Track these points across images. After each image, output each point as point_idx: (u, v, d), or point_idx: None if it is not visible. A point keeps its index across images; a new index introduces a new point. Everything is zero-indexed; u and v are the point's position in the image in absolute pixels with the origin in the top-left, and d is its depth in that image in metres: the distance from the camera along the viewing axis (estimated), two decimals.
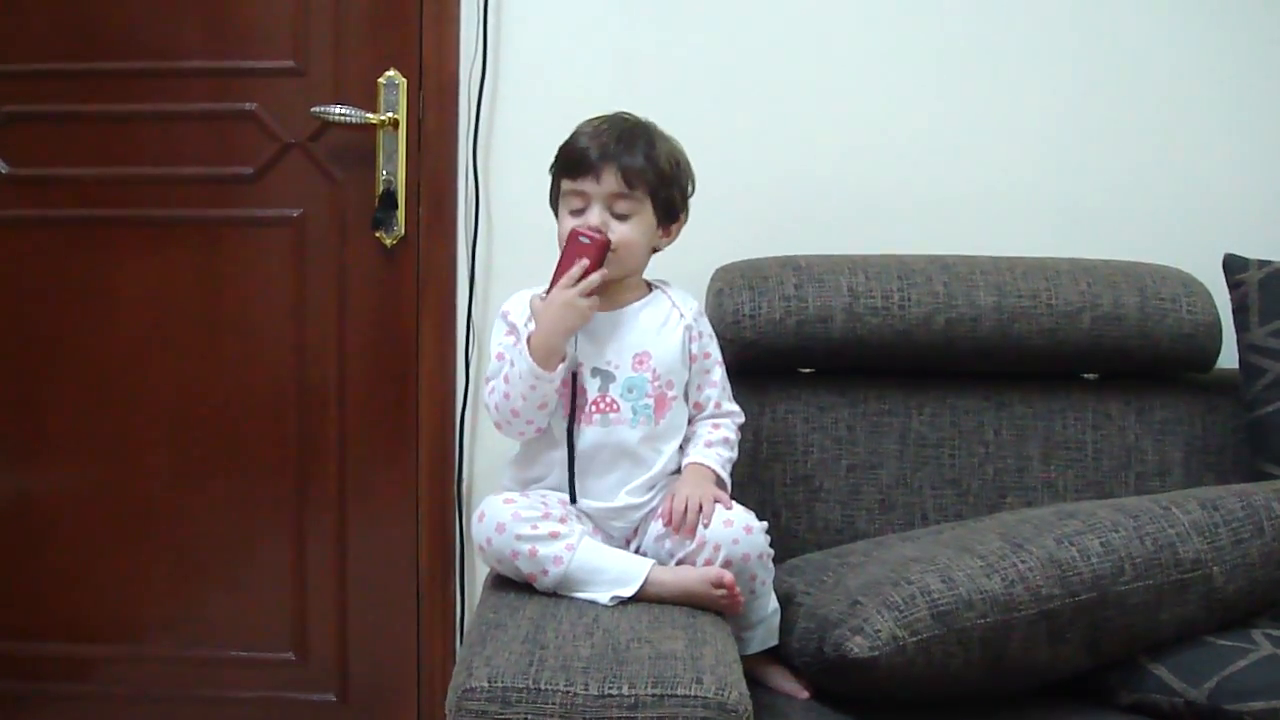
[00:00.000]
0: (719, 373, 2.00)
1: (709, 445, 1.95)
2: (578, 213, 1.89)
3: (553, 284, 1.83)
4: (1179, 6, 2.43)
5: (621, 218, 1.89)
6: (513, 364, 1.85)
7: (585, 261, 1.82)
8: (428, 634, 2.54)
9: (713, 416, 1.99)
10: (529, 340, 1.83)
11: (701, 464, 1.92)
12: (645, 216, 1.91)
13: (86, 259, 2.54)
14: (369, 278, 2.51)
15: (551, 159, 1.95)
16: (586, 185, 1.88)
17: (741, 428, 2.01)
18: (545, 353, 1.82)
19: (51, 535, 2.61)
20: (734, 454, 1.97)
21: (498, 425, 1.92)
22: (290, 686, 2.61)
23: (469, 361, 2.45)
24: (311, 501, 2.57)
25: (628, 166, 1.87)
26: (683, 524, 1.80)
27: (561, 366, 1.84)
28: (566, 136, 1.94)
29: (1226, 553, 1.77)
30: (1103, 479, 2.21)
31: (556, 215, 1.95)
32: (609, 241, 1.85)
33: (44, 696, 2.64)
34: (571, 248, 1.84)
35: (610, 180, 1.87)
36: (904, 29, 2.43)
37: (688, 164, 1.97)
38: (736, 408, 2.01)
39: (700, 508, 1.81)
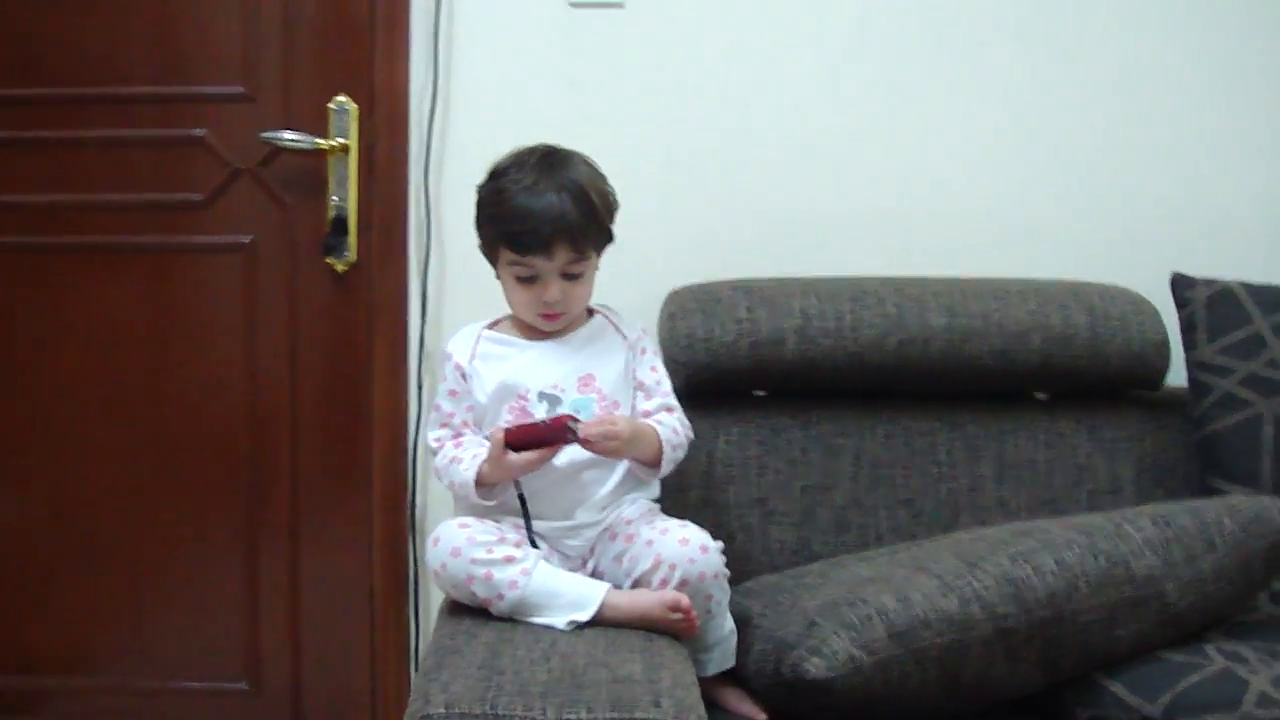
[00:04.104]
0: (667, 384, 2.00)
1: (659, 421, 1.94)
2: (526, 281, 1.89)
3: (522, 437, 1.80)
4: (1128, 26, 2.46)
5: (574, 279, 1.90)
6: (459, 484, 1.88)
7: (555, 448, 1.81)
8: (383, 662, 2.52)
9: (663, 410, 1.97)
10: (480, 475, 1.84)
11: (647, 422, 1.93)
12: (592, 265, 1.93)
13: (35, 287, 2.51)
14: (320, 304, 2.50)
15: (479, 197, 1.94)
16: (536, 261, 1.87)
17: (692, 444, 1.99)
18: (490, 489, 1.86)
19: (1, 567, 2.57)
20: (678, 443, 1.94)
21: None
22: (244, 716, 2.58)
23: (421, 386, 2.44)
24: (264, 529, 2.54)
25: (578, 238, 1.87)
26: (601, 433, 1.80)
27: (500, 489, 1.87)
28: (491, 185, 1.92)
29: (1179, 569, 1.79)
30: (1055, 497, 2.23)
31: (491, 262, 1.95)
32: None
33: None
34: (557, 429, 1.80)
35: (562, 255, 1.87)
36: (854, 52, 2.45)
37: (610, 189, 1.95)
38: (685, 420, 1.99)
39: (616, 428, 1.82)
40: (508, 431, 1.80)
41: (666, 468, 1.94)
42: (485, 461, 1.84)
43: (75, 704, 2.60)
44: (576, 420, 1.80)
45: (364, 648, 2.53)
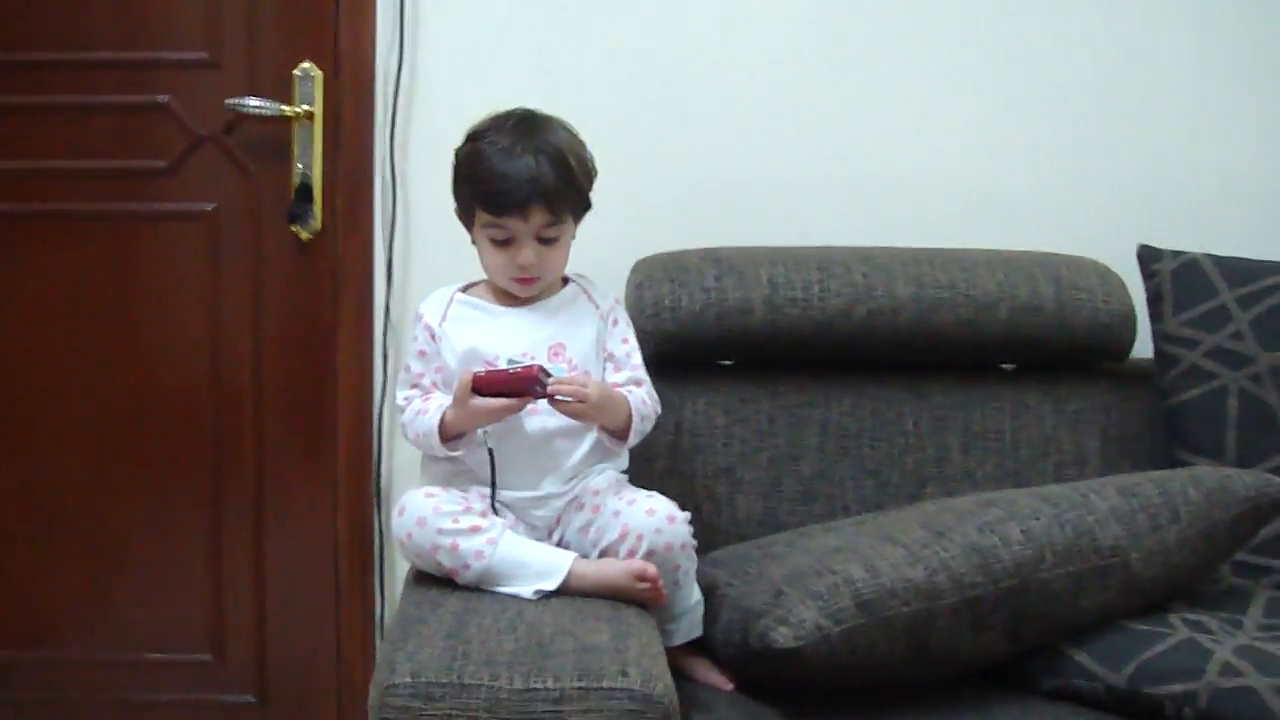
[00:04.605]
0: (637, 357, 1.99)
1: (628, 393, 1.93)
2: (501, 244, 1.87)
3: (491, 384, 1.79)
4: None
5: (550, 243, 1.88)
6: (423, 434, 1.87)
7: (523, 400, 1.80)
8: (347, 632, 2.51)
9: (631, 384, 1.96)
10: (443, 420, 1.84)
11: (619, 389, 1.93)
12: (569, 231, 1.92)
13: None
14: (285, 272, 2.48)
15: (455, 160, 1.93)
16: (512, 223, 1.86)
17: (659, 416, 1.98)
18: (454, 437, 1.85)
19: None
20: (646, 415, 1.94)
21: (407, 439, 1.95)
22: (208, 688, 2.57)
23: (386, 356, 2.43)
24: (228, 499, 2.53)
25: (554, 201, 1.86)
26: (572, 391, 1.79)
27: (465, 440, 1.86)
28: (469, 148, 1.91)
29: (1145, 539, 1.79)
30: (1021, 468, 2.23)
31: (468, 225, 1.93)
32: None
33: None
34: (527, 379, 1.78)
35: (538, 217, 1.85)
36: (824, 21, 2.44)
37: (589, 156, 1.94)
38: (654, 393, 1.98)
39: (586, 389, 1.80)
40: (476, 375, 1.79)
41: (634, 439, 1.93)
42: (450, 407, 1.83)
43: (39, 676, 2.58)
44: (548, 374, 1.79)
45: (329, 618, 2.52)
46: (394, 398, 2.08)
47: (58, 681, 2.57)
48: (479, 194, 1.88)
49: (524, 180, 1.83)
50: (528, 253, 1.87)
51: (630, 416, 1.89)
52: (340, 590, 2.51)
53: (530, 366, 1.79)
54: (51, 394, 2.52)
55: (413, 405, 1.91)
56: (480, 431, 1.83)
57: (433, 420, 1.84)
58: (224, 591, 2.55)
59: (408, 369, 1.96)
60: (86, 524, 2.54)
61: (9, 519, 2.54)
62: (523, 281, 1.91)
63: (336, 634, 2.52)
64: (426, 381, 1.93)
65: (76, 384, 2.51)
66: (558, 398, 1.79)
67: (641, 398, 1.93)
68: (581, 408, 1.81)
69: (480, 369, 1.83)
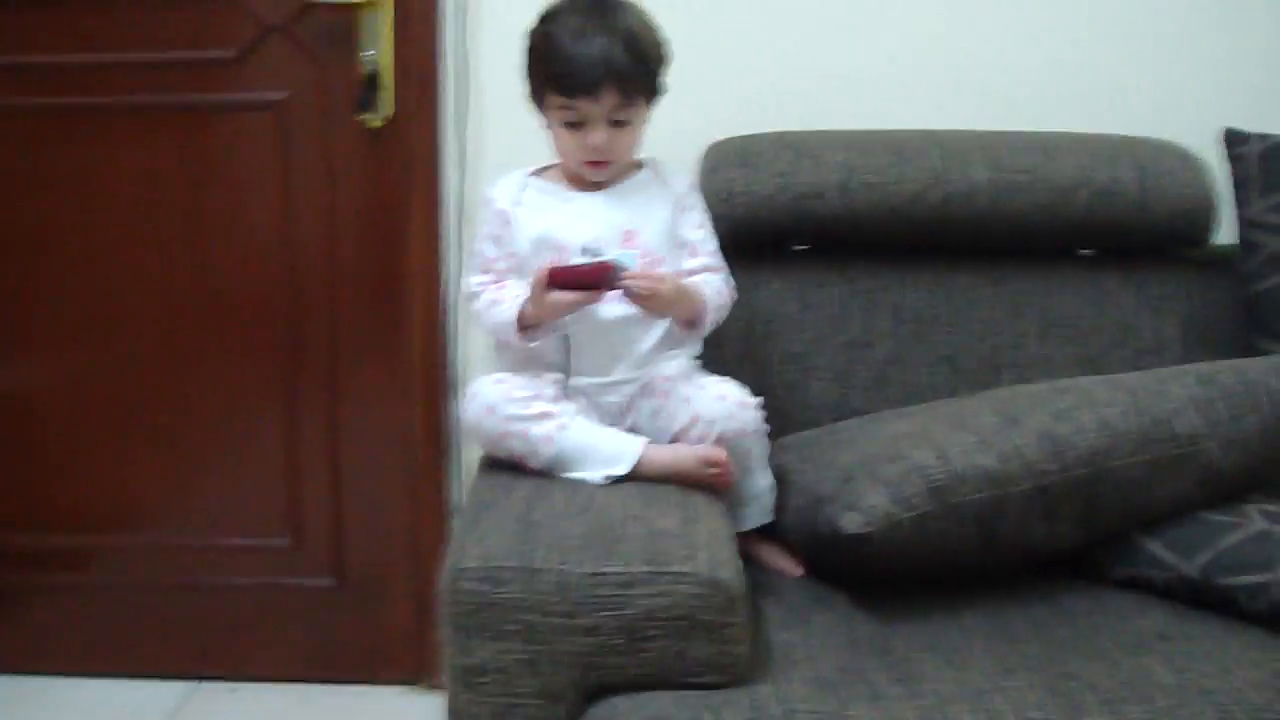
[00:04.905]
0: (712, 243, 1.97)
1: (704, 281, 1.92)
2: (573, 126, 1.85)
3: (567, 278, 1.78)
4: None
5: (621, 126, 1.86)
6: (499, 325, 1.86)
7: (598, 293, 1.79)
8: (423, 516, 2.54)
9: (706, 271, 1.94)
10: (521, 314, 1.82)
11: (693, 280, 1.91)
12: (641, 115, 1.89)
13: (67, 147, 2.50)
14: (356, 161, 2.47)
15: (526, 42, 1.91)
16: (583, 104, 1.83)
17: (734, 304, 1.97)
18: (532, 331, 1.83)
19: (42, 427, 2.61)
20: (721, 304, 1.93)
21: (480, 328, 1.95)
22: (287, 571, 2.62)
23: (460, 244, 2.42)
24: (303, 387, 2.56)
25: (626, 82, 1.83)
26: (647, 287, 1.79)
27: (543, 332, 1.85)
28: (540, 29, 1.89)
29: (1223, 428, 1.76)
30: (1099, 355, 2.19)
31: (540, 108, 1.91)
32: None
33: (40, 588, 2.66)
34: (601, 275, 1.77)
35: (609, 98, 1.82)
36: None
37: (662, 39, 1.91)
38: (730, 280, 1.96)
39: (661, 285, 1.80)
40: (552, 270, 1.77)
41: (708, 329, 1.92)
42: (527, 300, 1.81)
43: (119, 560, 2.64)
44: (623, 269, 1.77)
45: (405, 503, 2.55)
46: (466, 285, 2.05)
47: (140, 565, 2.63)
48: (551, 75, 1.85)
49: (596, 61, 1.81)
50: (599, 135, 1.85)
51: (703, 307, 1.88)
52: (415, 475, 2.53)
53: (604, 263, 1.78)
54: (127, 285, 2.54)
55: (487, 294, 1.90)
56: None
57: (510, 312, 1.83)
58: (301, 477, 2.59)
59: (480, 253, 1.95)
60: (164, 412, 2.58)
61: (88, 407, 2.59)
62: (594, 165, 1.89)
63: (412, 519, 2.55)
64: (500, 266, 1.91)
65: (152, 274, 2.54)
66: (632, 290, 1.78)
67: (717, 287, 1.92)
68: (655, 301, 1.80)
69: (553, 259, 1.82)
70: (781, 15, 2.38)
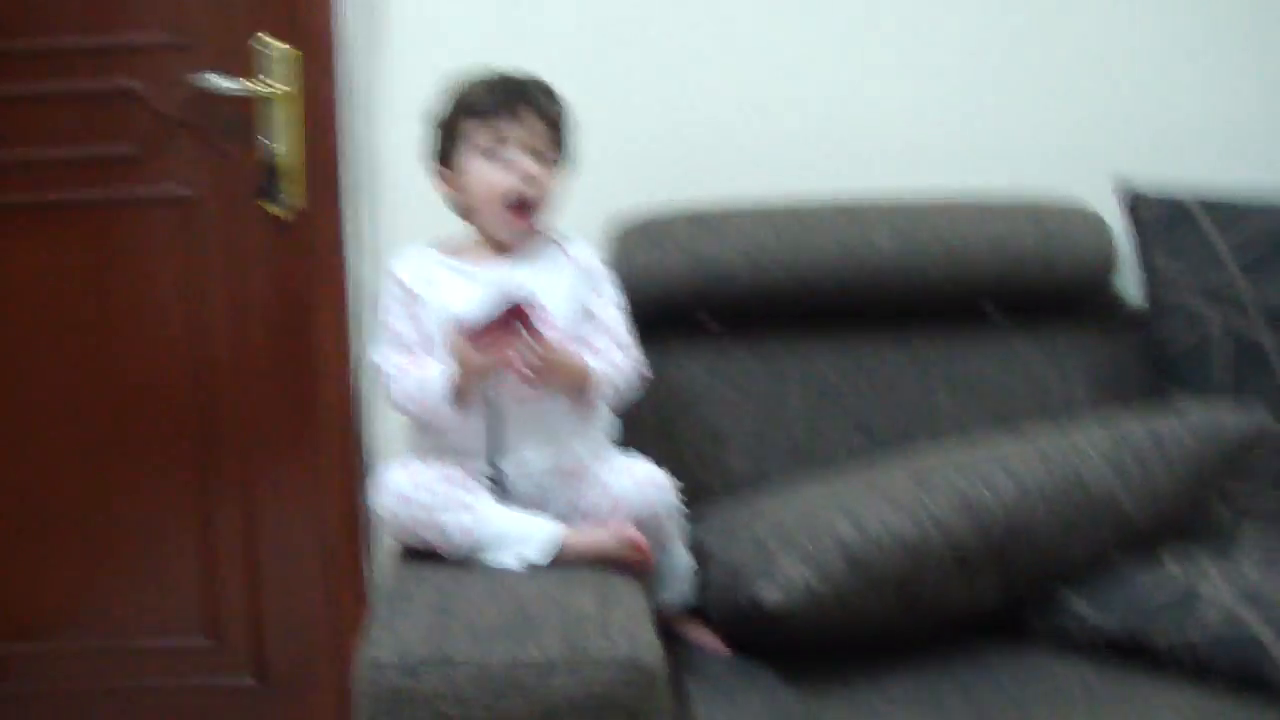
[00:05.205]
0: (622, 320, 1.92)
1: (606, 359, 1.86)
2: (490, 153, 1.83)
3: (483, 337, 1.70)
4: None
5: (543, 160, 1.85)
6: (429, 398, 1.78)
7: (518, 353, 1.72)
8: (343, 609, 2.48)
9: (614, 348, 1.89)
10: (454, 386, 1.75)
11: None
12: (559, 166, 1.89)
13: None
14: (263, 253, 2.44)
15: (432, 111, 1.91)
16: (504, 126, 1.82)
17: (648, 381, 1.94)
18: (465, 400, 1.77)
19: None
20: (618, 382, 1.86)
21: (396, 409, 1.87)
22: (206, 672, 2.56)
23: (366, 332, 2.40)
24: (216, 483, 2.51)
25: (545, 108, 1.84)
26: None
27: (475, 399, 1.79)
28: (450, 88, 1.90)
29: (1134, 480, 1.78)
30: (1010, 414, 2.19)
31: (449, 156, 1.88)
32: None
33: None
34: (512, 319, 1.71)
35: (531, 121, 1.83)
36: None
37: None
38: (641, 359, 1.92)
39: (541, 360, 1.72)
40: (466, 335, 1.70)
41: (602, 405, 1.87)
42: (454, 371, 1.74)
43: (34, 669, 2.56)
44: (531, 304, 1.70)
45: (323, 594, 2.50)
46: (374, 361, 1.93)
47: (54, 674, 2.56)
48: (466, 105, 1.85)
49: (515, 84, 1.85)
50: (526, 160, 1.82)
51: (591, 380, 1.81)
52: (333, 566, 2.49)
53: (514, 306, 1.70)
54: (33, 387, 2.49)
55: (405, 372, 1.82)
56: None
57: (439, 384, 1.75)
58: (217, 575, 2.53)
59: (388, 327, 1.87)
60: (75, 516, 2.52)
61: None
62: (519, 212, 1.84)
63: (332, 611, 2.50)
64: (410, 340, 1.84)
65: (58, 376, 2.49)
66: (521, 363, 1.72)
67: (615, 362, 1.86)
68: (543, 374, 1.74)
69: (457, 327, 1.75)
70: (679, 83, 2.40)
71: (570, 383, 1.80)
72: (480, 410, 1.80)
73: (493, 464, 1.82)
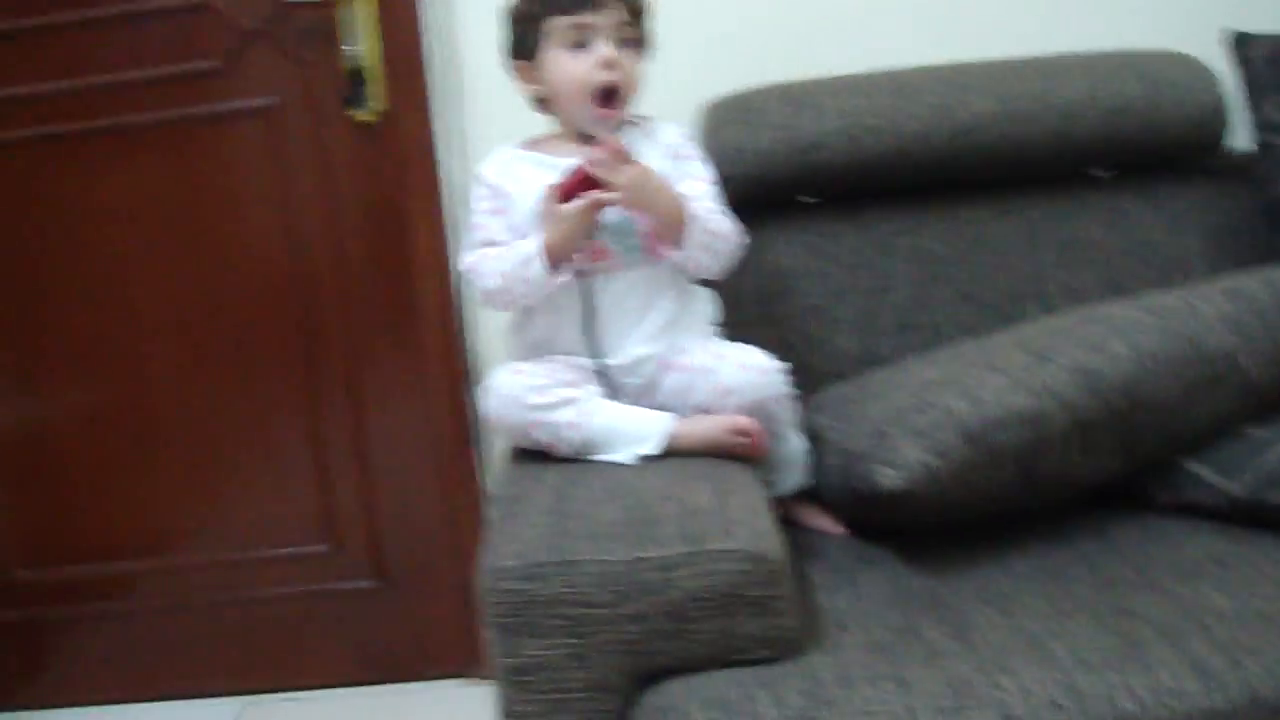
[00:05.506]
0: (712, 190, 1.87)
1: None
2: (579, 49, 1.80)
3: (571, 187, 1.72)
4: None
5: (628, 46, 1.82)
6: (519, 264, 1.76)
7: (596, 194, 1.71)
8: (458, 507, 2.52)
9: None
10: (545, 245, 1.74)
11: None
12: (643, 50, 1.86)
13: (60, 176, 2.48)
14: (352, 158, 2.44)
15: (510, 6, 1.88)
16: (589, 17, 1.79)
17: (744, 258, 1.88)
18: (560, 260, 1.75)
19: (66, 458, 2.60)
20: (714, 228, 1.80)
21: (487, 302, 1.86)
22: (327, 577, 2.61)
23: (460, 230, 2.39)
24: (324, 391, 2.54)
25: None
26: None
27: (567, 263, 1.77)
28: None
29: (1257, 342, 1.72)
30: (1122, 277, 2.15)
31: (528, 56, 1.86)
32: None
33: (80, 619, 2.66)
34: (579, 180, 1.72)
35: (615, 8, 1.80)
36: None
37: None
38: (735, 224, 1.86)
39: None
40: (556, 188, 1.73)
41: (700, 251, 1.79)
42: (544, 231, 1.75)
43: (160, 584, 2.63)
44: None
45: (437, 495, 2.54)
46: (464, 260, 1.91)
47: (180, 587, 2.62)
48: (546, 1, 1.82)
49: None
50: (608, 48, 1.79)
51: (685, 211, 1.76)
52: (445, 467, 2.52)
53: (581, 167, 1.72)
54: (137, 303, 2.53)
55: (487, 256, 1.82)
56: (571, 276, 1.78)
57: (531, 246, 1.75)
58: (332, 481, 2.57)
59: (478, 228, 1.87)
60: (187, 429, 2.56)
61: (110, 434, 2.58)
62: (605, 103, 1.81)
63: (447, 511, 2.54)
64: (501, 238, 1.83)
65: (161, 291, 2.52)
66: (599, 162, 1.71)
67: (709, 208, 1.82)
68: (629, 186, 1.71)
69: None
70: None
71: (664, 207, 1.76)
72: (574, 296, 1.80)
73: (595, 358, 1.81)
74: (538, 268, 1.75)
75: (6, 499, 2.63)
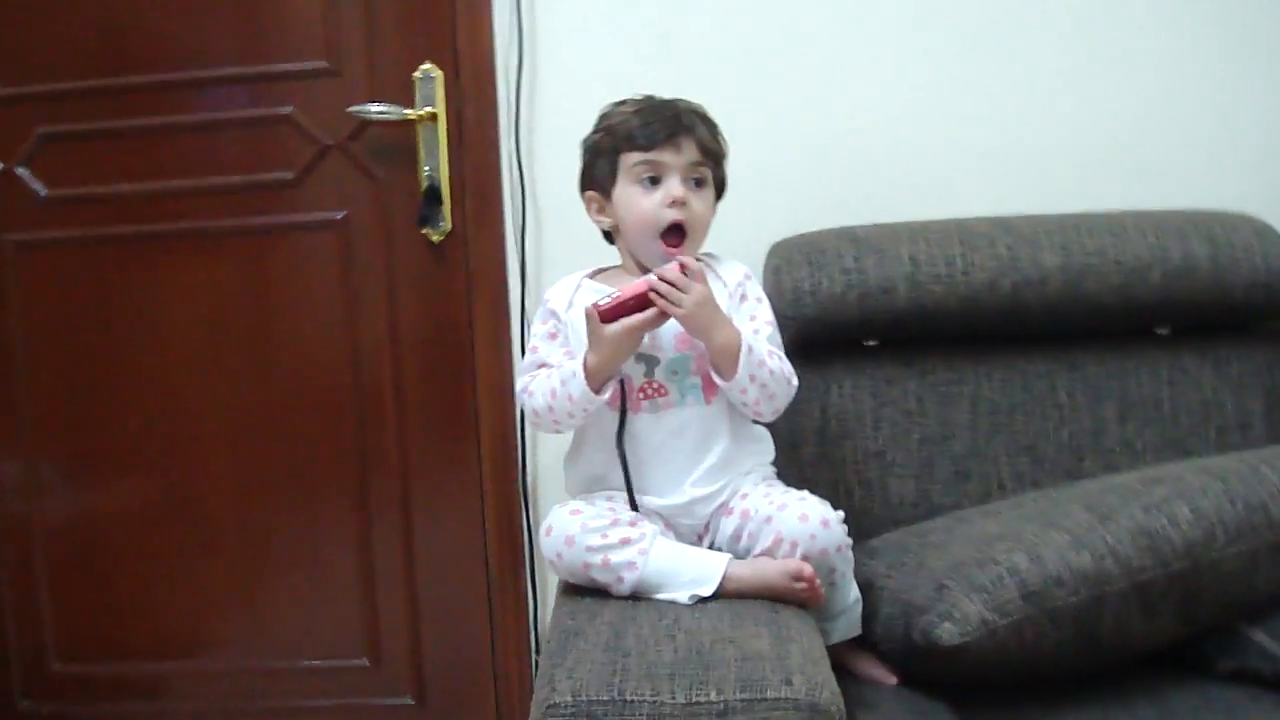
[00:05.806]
0: (770, 329, 1.88)
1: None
2: (650, 183, 1.84)
3: (615, 310, 1.74)
4: None
5: (699, 186, 1.85)
6: (562, 383, 1.79)
7: (653, 312, 1.74)
8: (502, 631, 2.51)
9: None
10: (585, 364, 1.77)
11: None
12: (712, 189, 1.89)
13: (132, 275, 2.52)
14: (418, 276, 2.47)
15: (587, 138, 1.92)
16: (664, 156, 1.83)
17: (804, 399, 1.91)
18: (602, 379, 1.77)
19: (118, 555, 2.61)
20: (770, 366, 1.78)
21: (535, 423, 1.90)
22: (366, 692, 2.59)
23: (524, 354, 2.40)
24: (376, 505, 2.54)
25: (702, 137, 1.85)
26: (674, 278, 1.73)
27: (610, 383, 1.79)
28: (602, 120, 1.91)
29: None
30: (1182, 436, 2.15)
31: (604, 192, 1.89)
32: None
33: (115, 717, 2.64)
34: (642, 294, 1.74)
35: (689, 150, 1.83)
36: None
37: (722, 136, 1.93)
38: (790, 367, 1.85)
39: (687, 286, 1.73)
40: (599, 308, 1.74)
41: (752, 385, 1.77)
42: (588, 351, 1.77)
43: (195, 688, 2.62)
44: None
45: (483, 617, 2.52)
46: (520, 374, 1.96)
47: (219, 692, 2.61)
48: (627, 134, 1.85)
49: (674, 113, 1.85)
50: (678, 186, 1.82)
51: (739, 341, 1.76)
52: (492, 589, 2.51)
53: (642, 281, 1.75)
54: (196, 406, 2.55)
55: (537, 378, 1.85)
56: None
57: (574, 366, 1.78)
58: (377, 596, 2.56)
59: (534, 351, 1.91)
60: (236, 534, 2.57)
61: (159, 532, 2.59)
62: (672, 241, 1.83)
63: (490, 633, 2.52)
64: (555, 362, 1.86)
65: (220, 396, 2.54)
66: (660, 292, 1.73)
67: (765, 346, 1.82)
68: (686, 310, 1.72)
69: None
70: (835, 108, 2.36)
71: (722, 334, 1.76)
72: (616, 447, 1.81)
73: (630, 494, 1.82)
74: (579, 385, 1.77)
75: (50, 592, 2.64)
